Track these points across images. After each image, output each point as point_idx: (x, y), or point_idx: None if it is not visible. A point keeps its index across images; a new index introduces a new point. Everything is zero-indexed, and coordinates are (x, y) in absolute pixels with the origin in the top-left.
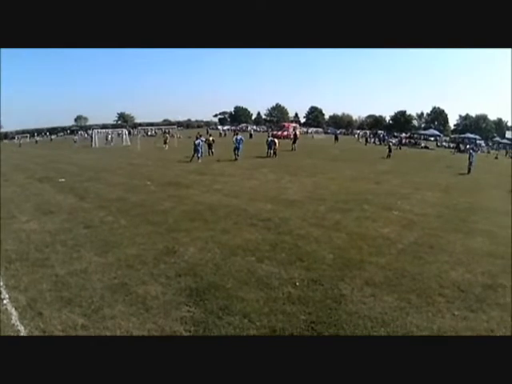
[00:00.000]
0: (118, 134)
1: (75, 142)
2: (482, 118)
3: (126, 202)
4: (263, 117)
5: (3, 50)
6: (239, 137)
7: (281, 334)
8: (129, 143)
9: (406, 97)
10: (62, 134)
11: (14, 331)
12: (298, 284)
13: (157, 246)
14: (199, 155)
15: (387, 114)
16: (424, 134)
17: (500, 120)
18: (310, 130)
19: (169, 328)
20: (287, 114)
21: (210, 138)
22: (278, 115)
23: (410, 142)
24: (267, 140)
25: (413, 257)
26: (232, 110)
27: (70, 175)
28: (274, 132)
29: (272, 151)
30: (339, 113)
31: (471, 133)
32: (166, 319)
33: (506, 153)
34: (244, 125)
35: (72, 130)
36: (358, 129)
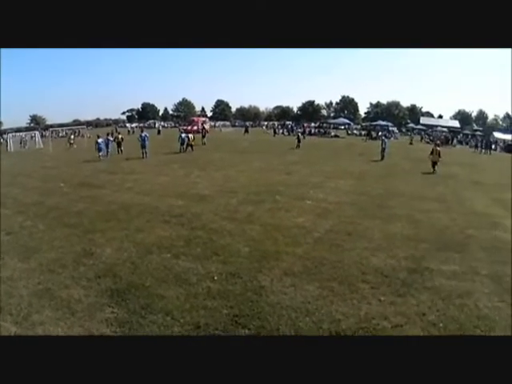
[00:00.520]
0: (32, 137)
1: None
2: (394, 105)
3: (42, 206)
4: (170, 112)
5: None
6: (144, 134)
7: (281, 335)
8: (41, 146)
9: (314, 90)
10: None
11: None
12: (216, 278)
13: (75, 249)
14: (104, 153)
15: (295, 105)
16: (334, 123)
17: (414, 106)
18: (217, 124)
19: (95, 330)
20: (194, 108)
21: (119, 136)
22: (185, 110)
23: (319, 131)
24: (180, 136)
25: (330, 245)
26: (139, 106)
27: None
28: (185, 127)
29: (185, 147)
30: (246, 105)
31: (383, 120)
32: (92, 322)
33: (422, 138)
34: (152, 121)
35: None
36: (266, 120)
